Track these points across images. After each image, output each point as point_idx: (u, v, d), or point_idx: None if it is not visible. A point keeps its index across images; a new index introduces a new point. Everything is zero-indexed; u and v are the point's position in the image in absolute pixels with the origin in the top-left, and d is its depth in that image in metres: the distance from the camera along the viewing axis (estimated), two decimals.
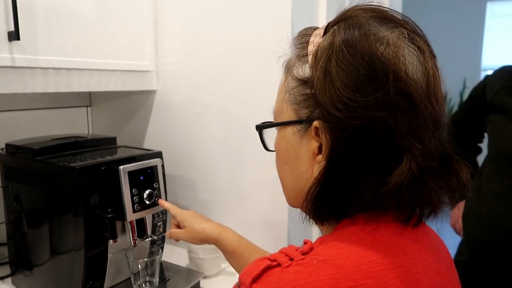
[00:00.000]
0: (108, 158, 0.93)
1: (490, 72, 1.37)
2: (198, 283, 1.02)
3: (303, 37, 0.51)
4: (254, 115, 1.02)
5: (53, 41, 0.92)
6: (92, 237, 0.87)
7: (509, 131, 1.20)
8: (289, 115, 0.50)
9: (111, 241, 0.90)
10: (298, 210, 0.56)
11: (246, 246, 0.84)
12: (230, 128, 1.11)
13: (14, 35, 0.82)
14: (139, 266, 0.92)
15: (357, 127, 0.43)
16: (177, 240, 0.91)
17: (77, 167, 0.84)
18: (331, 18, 0.49)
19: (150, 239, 0.96)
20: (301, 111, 0.49)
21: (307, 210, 0.51)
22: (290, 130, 0.51)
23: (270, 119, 0.57)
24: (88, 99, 1.39)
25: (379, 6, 0.48)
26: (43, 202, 0.92)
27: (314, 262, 0.41)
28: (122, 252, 0.96)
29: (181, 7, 1.13)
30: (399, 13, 0.48)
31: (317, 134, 0.47)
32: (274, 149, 0.56)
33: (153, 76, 1.20)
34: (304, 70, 0.49)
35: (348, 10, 0.48)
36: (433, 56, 0.46)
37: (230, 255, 0.84)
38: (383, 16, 0.46)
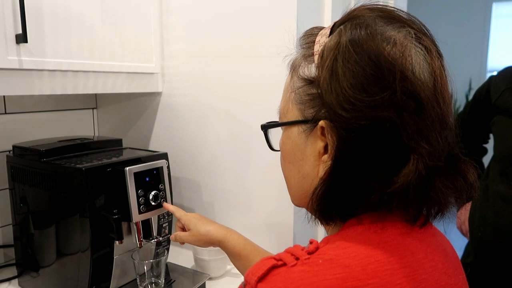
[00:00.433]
0: (114, 159, 0.94)
1: (495, 73, 1.36)
2: (204, 284, 1.02)
3: (309, 37, 0.51)
4: (259, 117, 1.03)
5: (60, 44, 0.92)
6: (98, 238, 0.88)
7: None
8: (294, 115, 0.50)
9: (117, 242, 0.90)
10: (304, 212, 0.55)
11: (251, 248, 0.83)
12: (235, 130, 1.11)
13: (22, 38, 0.82)
14: (145, 267, 0.92)
15: (363, 127, 0.42)
16: (182, 243, 0.91)
17: (83, 169, 0.84)
18: (336, 19, 0.49)
19: (155, 240, 0.97)
20: (307, 111, 0.49)
21: (312, 210, 0.51)
22: (295, 130, 0.51)
23: (275, 120, 0.57)
24: (94, 102, 1.40)
25: (386, 5, 0.48)
26: (49, 204, 0.93)
27: (320, 261, 0.41)
28: (128, 253, 0.96)
29: (186, 10, 1.14)
30: (405, 12, 0.48)
31: (323, 134, 0.47)
32: (279, 149, 0.56)
33: (158, 78, 1.21)
34: (310, 70, 0.49)
35: (354, 10, 0.48)
36: (440, 55, 0.46)
37: (235, 257, 0.84)
38: (389, 16, 0.46)
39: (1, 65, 0.81)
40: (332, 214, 0.49)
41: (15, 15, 0.82)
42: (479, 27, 4.11)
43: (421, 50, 0.45)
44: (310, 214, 0.54)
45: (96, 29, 1.01)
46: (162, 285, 0.96)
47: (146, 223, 0.95)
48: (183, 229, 0.91)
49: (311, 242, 0.45)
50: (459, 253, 1.19)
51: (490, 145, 1.39)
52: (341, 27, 0.47)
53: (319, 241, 0.46)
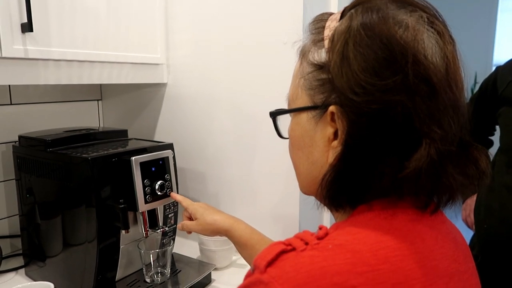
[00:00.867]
0: (120, 149, 0.94)
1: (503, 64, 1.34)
2: (209, 274, 1.02)
3: (319, 22, 0.51)
4: (264, 107, 1.01)
5: (65, 33, 0.92)
6: (104, 228, 0.88)
7: None
8: (304, 101, 0.50)
9: (123, 231, 0.90)
10: (309, 202, 0.55)
11: (258, 237, 0.83)
12: (240, 121, 1.11)
13: (27, 27, 0.82)
14: (151, 257, 0.92)
15: (374, 111, 0.42)
16: (189, 232, 0.91)
17: (89, 158, 0.84)
18: (343, 6, 0.49)
19: (161, 230, 0.97)
20: (316, 96, 0.48)
21: (321, 197, 0.50)
22: (304, 116, 0.50)
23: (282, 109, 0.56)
24: (99, 93, 1.40)
25: None
26: (55, 194, 0.93)
27: (330, 246, 0.41)
28: (134, 243, 0.96)
29: (191, 0, 1.13)
30: None
31: (332, 119, 0.46)
32: (287, 137, 0.56)
33: (163, 69, 1.21)
34: (320, 55, 0.48)
35: None
36: (452, 40, 0.45)
37: (242, 246, 0.84)
38: (401, 0, 0.45)
39: (6, 54, 0.81)
40: (341, 200, 0.48)
41: (20, 4, 0.81)
42: (485, 21, 4.07)
43: (433, 34, 0.44)
44: (318, 202, 0.54)
45: (101, 19, 1.00)
46: (168, 275, 0.96)
47: (152, 213, 0.95)
48: (190, 218, 0.91)
49: (320, 228, 0.45)
50: None
51: (495, 138, 1.38)
52: (352, 11, 0.46)
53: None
